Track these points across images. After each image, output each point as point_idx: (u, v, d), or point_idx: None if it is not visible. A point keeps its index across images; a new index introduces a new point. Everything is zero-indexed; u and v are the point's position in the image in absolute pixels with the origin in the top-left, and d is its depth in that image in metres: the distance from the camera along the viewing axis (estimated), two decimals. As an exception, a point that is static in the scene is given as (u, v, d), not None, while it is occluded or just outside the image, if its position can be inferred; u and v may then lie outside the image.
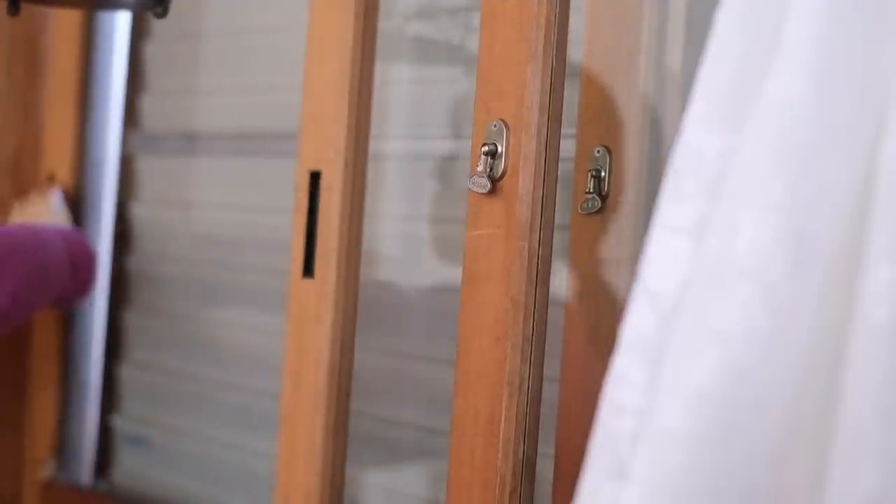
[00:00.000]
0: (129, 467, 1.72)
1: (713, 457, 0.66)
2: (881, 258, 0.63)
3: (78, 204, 1.72)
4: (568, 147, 1.07)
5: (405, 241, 1.38)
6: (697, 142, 0.71)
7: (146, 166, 1.70)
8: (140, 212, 1.71)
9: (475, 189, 1.04)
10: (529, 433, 1.03)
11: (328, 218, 1.23)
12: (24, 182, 1.72)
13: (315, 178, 1.24)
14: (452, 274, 1.26)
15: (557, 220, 1.05)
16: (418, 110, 1.36)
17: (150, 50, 1.70)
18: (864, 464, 0.62)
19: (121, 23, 1.72)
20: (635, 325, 0.72)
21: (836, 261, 0.66)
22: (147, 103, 1.71)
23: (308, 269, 1.24)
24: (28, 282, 1.46)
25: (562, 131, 1.05)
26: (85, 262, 1.56)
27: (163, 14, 1.34)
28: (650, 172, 1.04)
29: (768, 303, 0.65)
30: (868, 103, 0.65)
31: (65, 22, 1.70)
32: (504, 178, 1.03)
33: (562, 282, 1.08)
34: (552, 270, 1.05)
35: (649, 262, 0.72)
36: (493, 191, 1.03)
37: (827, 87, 0.65)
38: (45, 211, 1.63)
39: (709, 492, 0.66)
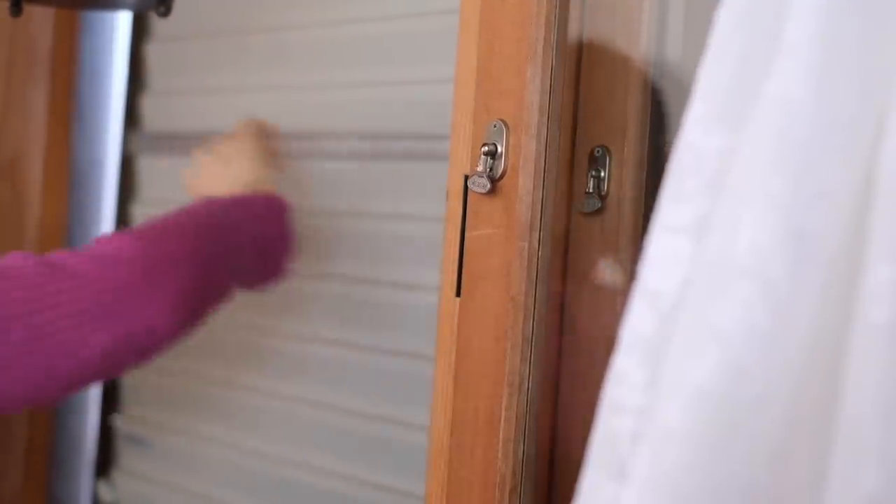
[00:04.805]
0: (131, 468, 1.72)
1: (713, 456, 0.66)
2: (881, 257, 0.63)
3: (77, 204, 1.72)
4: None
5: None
6: (697, 142, 0.71)
7: (146, 166, 1.70)
8: (140, 212, 1.71)
9: (475, 189, 1.04)
10: (529, 433, 1.03)
11: None
12: (24, 182, 1.72)
13: None
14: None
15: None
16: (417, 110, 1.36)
17: (151, 49, 1.70)
18: (864, 463, 0.62)
19: (121, 23, 1.72)
20: (635, 325, 0.72)
21: (836, 259, 0.66)
22: (147, 103, 1.71)
23: (461, 287, 1.09)
24: (194, 292, 1.18)
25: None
26: (277, 247, 1.27)
27: (166, 13, 1.34)
28: (650, 172, 1.04)
29: (768, 301, 0.65)
30: (868, 102, 0.65)
31: (64, 22, 1.70)
32: (504, 178, 1.03)
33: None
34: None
35: (649, 262, 0.72)
36: (492, 191, 1.03)
37: (827, 85, 0.65)
38: (229, 164, 1.30)
39: (709, 491, 0.66)
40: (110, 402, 1.73)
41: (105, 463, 1.74)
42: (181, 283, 1.15)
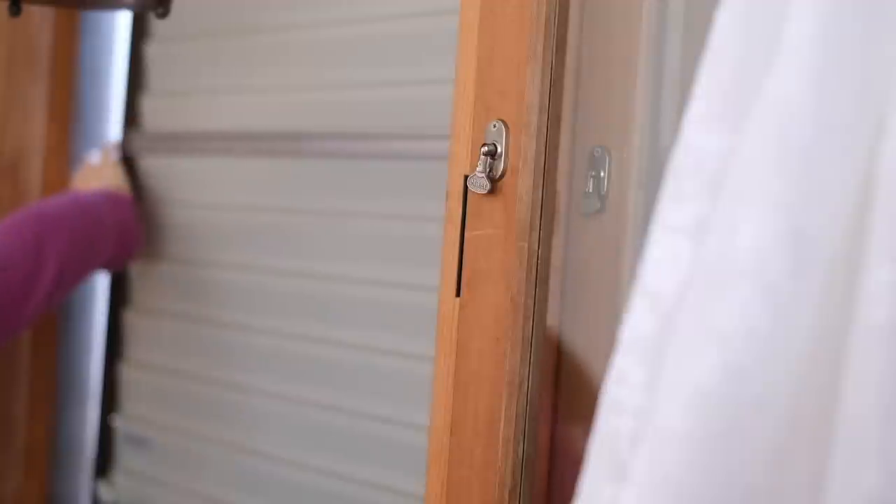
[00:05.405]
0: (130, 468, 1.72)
1: (713, 456, 0.66)
2: (881, 258, 0.63)
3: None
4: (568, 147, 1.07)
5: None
6: (697, 141, 0.71)
7: (146, 166, 1.70)
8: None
9: (475, 189, 1.04)
10: (529, 433, 1.03)
11: None
12: (24, 182, 1.72)
13: None
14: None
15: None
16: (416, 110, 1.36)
17: (151, 50, 1.70)
18: (864, 463, 0.62)
19: (121, 22, 1.72)
20: (635, 325, 0.72)
21: (836, 260, 0.66)
22: (147, 103, 1.71)
23: (461, 287, 1.08)
24: (73, 258, 1.51)
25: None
26: (130, 226, 1.60)
27: (164, 14, 1.34)
28: (650, 172, 1.04)
29: (768, 302, 0.65)
30: (868, 102, 0.65)
31: (64, 22, 1.70)
32: (504, 178, 1.03)
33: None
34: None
35: (649, 263, 0.72)
36: (492, 191, 1.03)
37: (827, 85, 0.65)
38: (102, 171, 1.64)
39: (709, 491, 0.66)
40: (110, 402, 1.73)
41: (105, 463, 1.74)
42: (63, 249, 1.49)
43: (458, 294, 1.07)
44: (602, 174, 1.04)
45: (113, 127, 1.73)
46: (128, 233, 1.60)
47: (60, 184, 1.71)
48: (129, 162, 1.67)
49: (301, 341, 1.48)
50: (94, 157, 1.68)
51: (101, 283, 1.73)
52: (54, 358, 1.73)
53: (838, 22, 0.65)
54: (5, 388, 1.73)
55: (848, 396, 0.63)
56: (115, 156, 1.67)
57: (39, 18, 1.69)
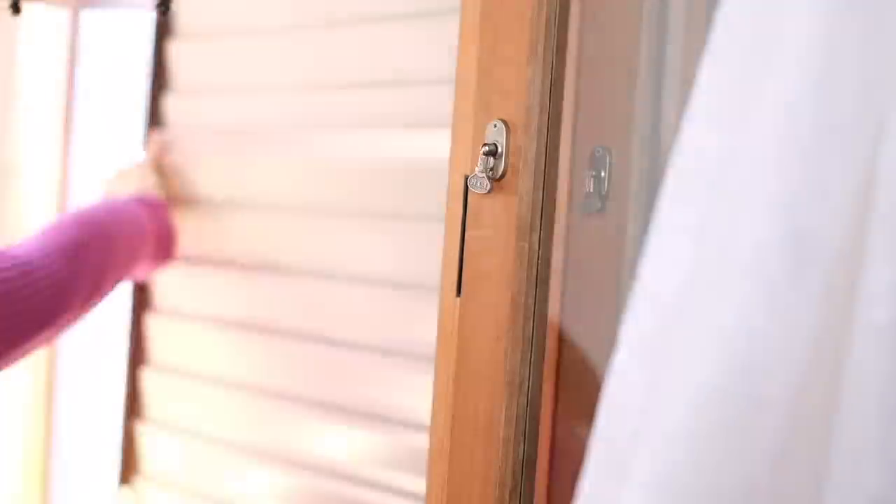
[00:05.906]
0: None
1: (715, 456, 0.66)
2: (882, 258, 0.63)
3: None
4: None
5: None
6: (697, 141, 0.71)
7: (172, 166, 1.69)
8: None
9: (475, 189, 1.04)
10: (529, 433, 1.03)
11: None
12: (30, 184, 1.72)
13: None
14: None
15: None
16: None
17: (172, 48, 1.69)
18: (865, 463, 0.62)
19: (143, 22, 1.71)
20: (635, 325, 0.72)
21: (837, 260, 0.66)
22: (171, 102, 1.70)
23: (462, 287, 1.09)
24: (110, 265, 1.50)
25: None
26: (168, 231, 1.60)
27: (165, 11, 1.35)
28: (650, 172, 1.04)
29: (769, 302, 0.65)
30: (869, 103, 0.65)
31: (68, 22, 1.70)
32: (504, 178, 1.03)
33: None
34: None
35: (649, 262, 0.72)
36: (493, 191, 1.03)
37: (828, 86, 0.65)
38: (135, 175, 1.63)
39: (710, 491, 0.66)
40: (133, 406, 1.72)
41: (128, 468, 1.73)
42: (99, 267, 1.48)
43: (458, 294, 1.08)
44: (602, 174, 1.04)
45: (136, 127, 1.72)
46: (165, 238, 1.59)
47: (64, 185, 1.71)
48: (159, 163, 1.65)
49: (318, 343, 1.47)
50: (127, 160, 1.66)
51: (123, 287, 1.72)
52: (55, 357, 1.73)
53: (839, 22, 0.65)
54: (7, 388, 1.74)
55: (849, 396, 0.63)
56: (149, 158, 1.65)
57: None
